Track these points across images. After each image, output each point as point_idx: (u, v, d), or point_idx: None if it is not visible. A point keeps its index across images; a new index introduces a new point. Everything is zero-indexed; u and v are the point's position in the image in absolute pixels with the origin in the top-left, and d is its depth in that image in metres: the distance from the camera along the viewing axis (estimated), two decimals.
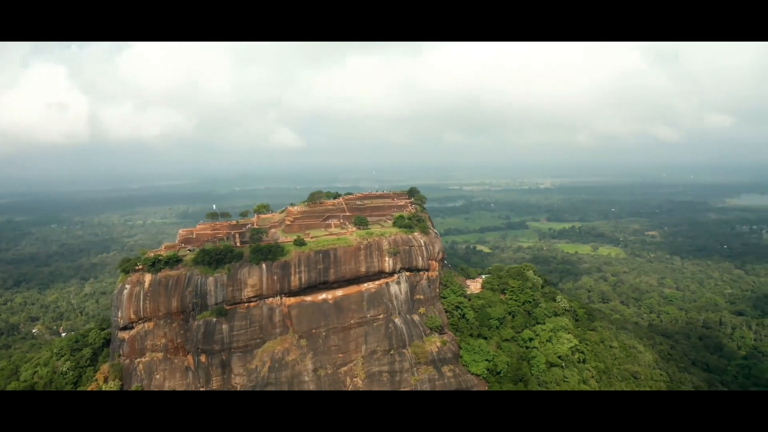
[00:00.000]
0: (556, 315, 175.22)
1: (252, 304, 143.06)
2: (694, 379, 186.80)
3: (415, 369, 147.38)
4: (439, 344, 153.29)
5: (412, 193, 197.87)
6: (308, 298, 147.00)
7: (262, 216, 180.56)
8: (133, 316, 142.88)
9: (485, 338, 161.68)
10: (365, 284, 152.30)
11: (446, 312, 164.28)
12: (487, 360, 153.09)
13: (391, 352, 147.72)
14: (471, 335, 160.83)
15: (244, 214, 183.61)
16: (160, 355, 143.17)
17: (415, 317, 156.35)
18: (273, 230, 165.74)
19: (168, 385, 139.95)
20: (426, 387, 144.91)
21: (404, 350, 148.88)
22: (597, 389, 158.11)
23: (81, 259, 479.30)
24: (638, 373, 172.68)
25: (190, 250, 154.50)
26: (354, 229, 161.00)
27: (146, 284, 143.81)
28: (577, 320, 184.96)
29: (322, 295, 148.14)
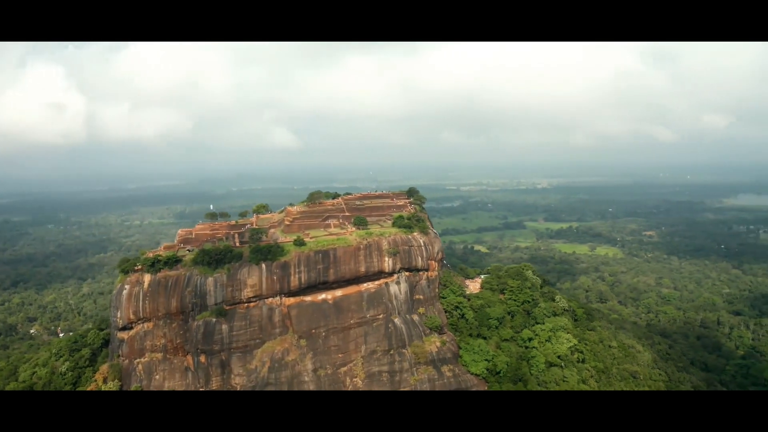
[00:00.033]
0: (555, 315, 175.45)
1: (252, 304, 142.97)
2: (693, 379, 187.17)
3: (414, 369, 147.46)
4: (438, 344, 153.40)
5: (412, 193, 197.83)
6: (308, 298, 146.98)
7: (261, 216, 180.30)
8: (132, 317, 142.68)
9: (485, 338, 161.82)
10: (365, 284, 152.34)
11: (446, 312, 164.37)
12: (486, 360, 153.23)
13: (391, 352, 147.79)
14: (470, 335, 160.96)
15: (243, 215, 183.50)
16: (159, 355, 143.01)
17: (415, 317, 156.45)
18: (272, 230, 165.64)
19: (167, 386, 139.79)
20: (426, 387, 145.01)
21: (404, 350, 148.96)
22: (596, 389, 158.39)
23: (78, 259, 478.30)
24: (637, 373, 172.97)
25: (189, 251, 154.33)
26: (353, 229, 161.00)
27: (145, 284, 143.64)
28: (576, 320, 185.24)
29: (322, 295, 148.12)
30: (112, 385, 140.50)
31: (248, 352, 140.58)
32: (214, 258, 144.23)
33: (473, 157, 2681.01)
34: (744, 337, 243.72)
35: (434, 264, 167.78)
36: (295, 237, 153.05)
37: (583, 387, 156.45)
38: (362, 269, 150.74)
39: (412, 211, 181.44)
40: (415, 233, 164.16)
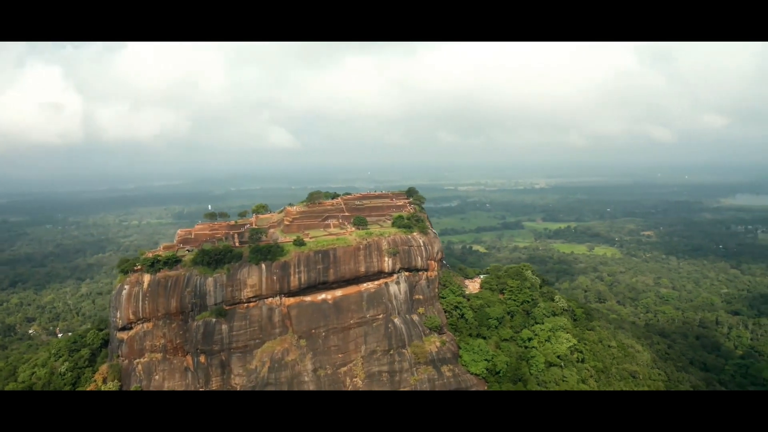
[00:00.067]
0: (554, 315, 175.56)
1: (251, 304, 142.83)
2: (692, 379, 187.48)
3: (414, 369, 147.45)
4: (438, 344, 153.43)
5: (411, 193, 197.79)
6: (308, 299, 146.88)
7: (261, 216, 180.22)
8: (132, 317, 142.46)
9: (484, 338, 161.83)
10: (364, 284, 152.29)
11: (445, 312, 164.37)
12: (486, 360, 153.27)
13: (391, 352, 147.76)
14: (470, 335, 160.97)
15: (242, 215, 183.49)
16: (159, 355, 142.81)
17: (415, 317, 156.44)
18: (272, 230, 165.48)
19: (167, 386, 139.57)
20: (426, 387, 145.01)
21: (404, 350, 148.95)
22: (596, 389, 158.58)
23: (77, 259, 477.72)
24: (637, 373, 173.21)
25: (188, 251, 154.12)
26: (353, 229, 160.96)
27: (145, 285, 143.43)
28: (575, 320, 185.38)
29: (322, 295, 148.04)
30: (111, 386, 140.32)
31: (248, 353, 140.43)
32: (214, 258, 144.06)
33: (471, 157, 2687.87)
34: (743, 337, 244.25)
35: (434, 264, 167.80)
36: (294, 237, 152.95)
37: (583, 387, 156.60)
38: (362, 269, 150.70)
39: (412, 211, 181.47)
40: (414, 233, 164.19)
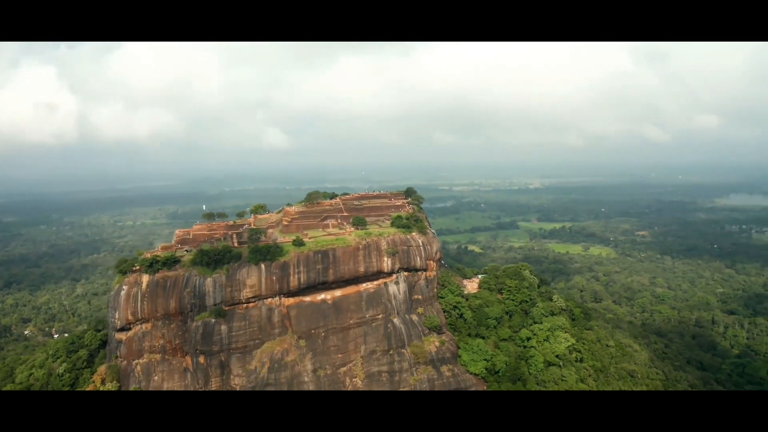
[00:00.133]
0: (552, 314, 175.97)
1: (251, 304, 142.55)
2: (690, 378, 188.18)
3: (414, 369, 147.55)
4: (437, 344, 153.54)
5: (409, 193, 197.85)
6: (307, 299, 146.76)
7: (259, 216, 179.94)
8: (130, 317, 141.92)
9: (483, 338, 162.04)
10: (364, 284, 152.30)
11: (444, 312, 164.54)
12: (485, 359, 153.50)
13: (390, 352, 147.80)
14: (469, 335, 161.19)
15: (240, 215, 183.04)
16: (158, 356, 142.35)
17: (414, 317, 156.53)
18: (270, 230, 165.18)
19: (166, 387, 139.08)
20: (425, 387, 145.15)
21: (403, 350, 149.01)
22: (594, 388, 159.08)
23: (72, 260, 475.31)
24: (635, 372, 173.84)
25: (187, 251, 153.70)
26: (352, 229, 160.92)
27: (144, 285, 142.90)
28: (573, 319, 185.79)
29: (321, 296, 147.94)
30: (110, 386, 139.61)
31: (247, 353, 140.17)
32: (213, 258, 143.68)
33: (466, 158, 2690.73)
34: (739, 336, 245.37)
35: (433, 264, 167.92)
36: (293, 237, 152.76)
37: (582, 386, 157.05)
38: (361, 269, 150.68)
39: (410, 211, 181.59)
40: (413, 233, 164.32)
